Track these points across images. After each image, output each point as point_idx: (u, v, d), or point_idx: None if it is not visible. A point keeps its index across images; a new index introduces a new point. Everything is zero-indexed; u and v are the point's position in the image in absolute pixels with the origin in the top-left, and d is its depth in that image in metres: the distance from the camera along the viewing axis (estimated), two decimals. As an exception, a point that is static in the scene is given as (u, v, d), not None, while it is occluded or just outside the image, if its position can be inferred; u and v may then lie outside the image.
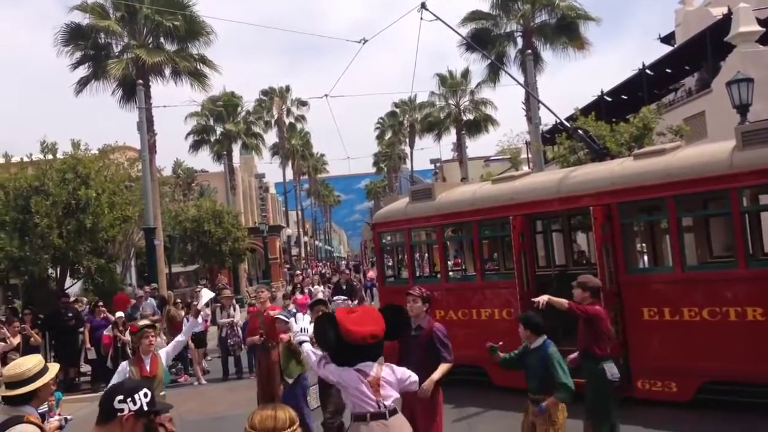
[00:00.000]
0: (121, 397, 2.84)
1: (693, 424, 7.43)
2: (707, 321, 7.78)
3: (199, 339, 13.94)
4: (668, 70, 21.42)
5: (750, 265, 7.83)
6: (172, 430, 6.07)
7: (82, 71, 22.78)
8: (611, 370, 6.08)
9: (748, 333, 7.47)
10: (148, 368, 6.16)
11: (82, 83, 22.86)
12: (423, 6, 12.30)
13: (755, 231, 9.38)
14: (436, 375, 5.74)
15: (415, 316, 5.96)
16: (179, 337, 6.81)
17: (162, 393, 6.20)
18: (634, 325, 8.40)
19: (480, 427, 8.31)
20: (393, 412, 4.49)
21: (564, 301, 6.33)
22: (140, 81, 20.79)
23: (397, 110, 58.66)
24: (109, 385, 3.93)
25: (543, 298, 6.22)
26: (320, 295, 14.61)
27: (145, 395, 2.89)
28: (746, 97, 12.68)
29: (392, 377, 4.54)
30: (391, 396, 4.49)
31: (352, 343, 4.45)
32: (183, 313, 14.06)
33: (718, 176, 7.72)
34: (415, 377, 4.75)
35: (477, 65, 47.51)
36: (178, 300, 16.06)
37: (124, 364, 6.34)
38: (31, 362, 3.81)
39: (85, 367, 14.35)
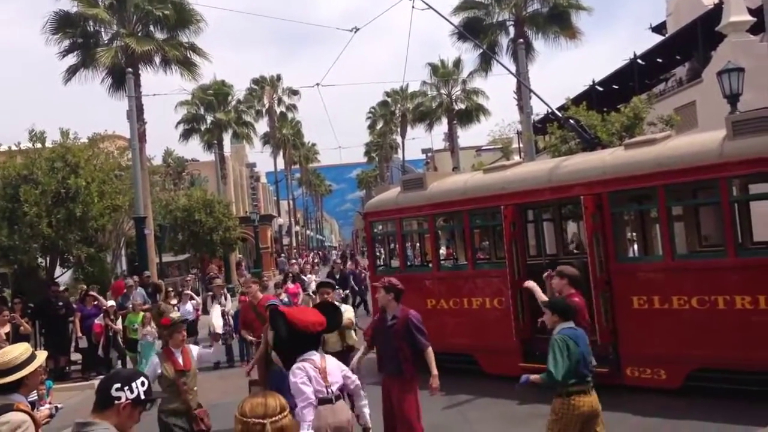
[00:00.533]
0: (118, 385, 2.85)
1: (682, 410, 7.49)
2: (696, 309, 7.83)
3: (190, 328, 13.91)
4: (659, 60, 21.46)
5: (739, 254, 7.89)
6: (209, 425, 6.10)
7: (71, 59, 22.61)
8: None
9: (736, 321, 7.54)
10: (181, 362, 5.97)
11: (71, 71, 22.66)
12: (415, -6, 12.22)
13: (744, 220, 9.43)
14: (434, 369, 6.03)
15: (383, 305, 6.26)
16: (208, 354, 6.96)
17: (195, 388, 6.16)
18: (623, 314, 8.45)
19: (471, 414, 8.35)
20: (338, 397, 4.72)
21: (544, 298, 6.65)
22: (130, 69, 20.62)
23: (389, 100, 58.46)
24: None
25: (530, 283, 6.35)
26: (313, 285, 14.64)
27: (143, 384, 2.90)
28: (737, 86, 12.72)
29: (334, 364, 4.84)
30: (338, 382, 4.74)
31: (301, 331, 4.77)
32: (175, 301, 14.08)
33: (709, 166, 7.75)
34: (350, 373, 4.99)
35: (469, 54, 47.52)
36: (170, 289, 16.01)
37: (155, 359, 6.09)
38: (18, 350, 3.79)
39: (76, 356, 14.30)
